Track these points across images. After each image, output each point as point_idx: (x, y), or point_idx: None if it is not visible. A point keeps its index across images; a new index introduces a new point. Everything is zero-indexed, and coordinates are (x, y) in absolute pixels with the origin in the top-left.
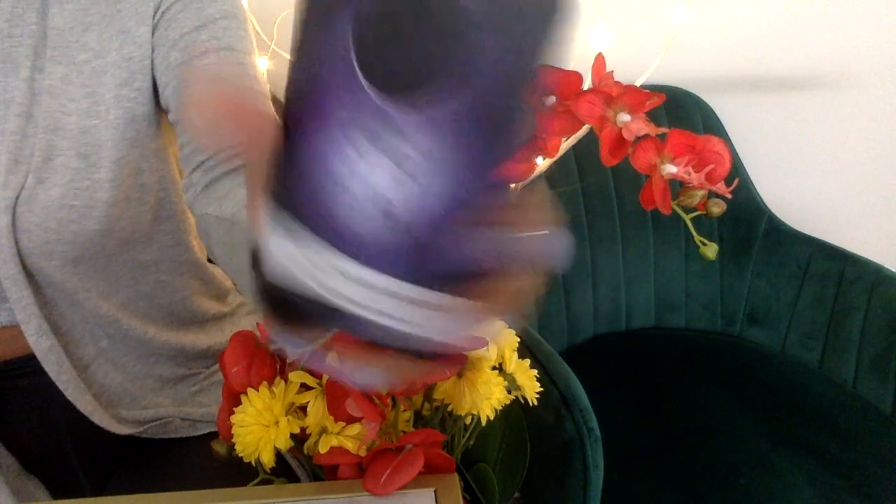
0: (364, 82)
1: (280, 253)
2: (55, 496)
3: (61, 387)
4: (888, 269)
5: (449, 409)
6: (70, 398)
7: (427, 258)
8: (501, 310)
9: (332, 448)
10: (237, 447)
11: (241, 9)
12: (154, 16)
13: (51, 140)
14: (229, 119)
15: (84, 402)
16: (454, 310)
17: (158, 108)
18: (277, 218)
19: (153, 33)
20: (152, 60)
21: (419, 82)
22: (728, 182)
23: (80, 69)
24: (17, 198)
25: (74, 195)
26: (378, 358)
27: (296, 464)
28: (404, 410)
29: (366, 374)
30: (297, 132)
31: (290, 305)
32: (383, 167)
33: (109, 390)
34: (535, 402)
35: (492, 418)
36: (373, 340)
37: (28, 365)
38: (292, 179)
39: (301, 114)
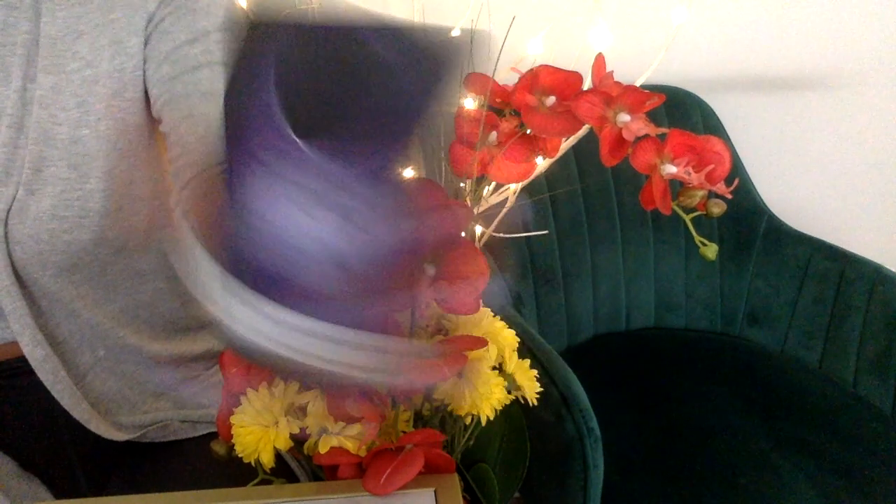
0: (295, 137)
1: (240, 324)
2: (54, 496)
3: (57, 396)
4: (888, 269)
5: (449, 409)
6: (66, 407)
7: (383, 305)
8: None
9: (332, 448)
10: (237, 448)
11: (236, 21)
12: (146, 27)
13: (41, 151)
14: None
15: (80, 411)
16: (415, 353)
17: (152, 118)
18: (232, 287)
19: (145, 45)
20: (144, 72)
21: (345, 130)
22: (728, 182)
23: (71, 78)
24: (9, 210)
25: (66, 206)
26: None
27: (295, 464)
28: (404, 410)
29: None
30: (241, 199)
31: (262, 364)
32: (332, 223)
33: (108, 398)
34: (535, 402)
35: (492, 418)
36: (341, 390)
37: (27, 364)
38: (242, 247)
39: (242, 180)
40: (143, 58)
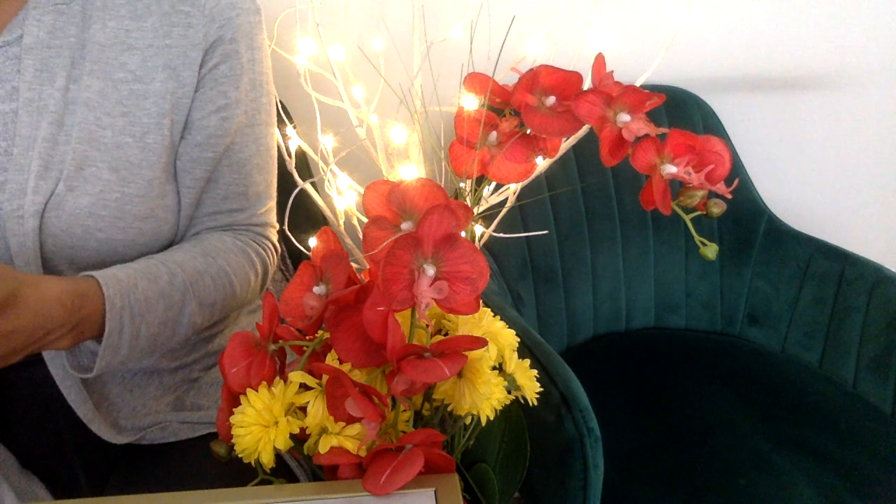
0: None
1: None
2: (53, 494)
3: (64, 392)
4: (888, 269)
5: (449, 409)
6: (72, 404)
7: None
8: None
9: (332, 448)
10: (237, 448)
11: (269, 75)
12: (200, 68)
13: (85, 151)
14: None
15: (84, 410)
16: None
17: None
18: None
19: (197, 85)
20: (192, 100)
21: None
22: (728, 182)
23: (118, 87)
24: (46, 203)
25: (104, 205)
26: None
27: (295, 464)
28: (404, 410)
29: None
30: None
31: None
32: None
33: (108, 400)
34: (535, 402)
35: (492, 418)
36: None
37: (38, 355)
38: None
39: None
40: (195, 88)
